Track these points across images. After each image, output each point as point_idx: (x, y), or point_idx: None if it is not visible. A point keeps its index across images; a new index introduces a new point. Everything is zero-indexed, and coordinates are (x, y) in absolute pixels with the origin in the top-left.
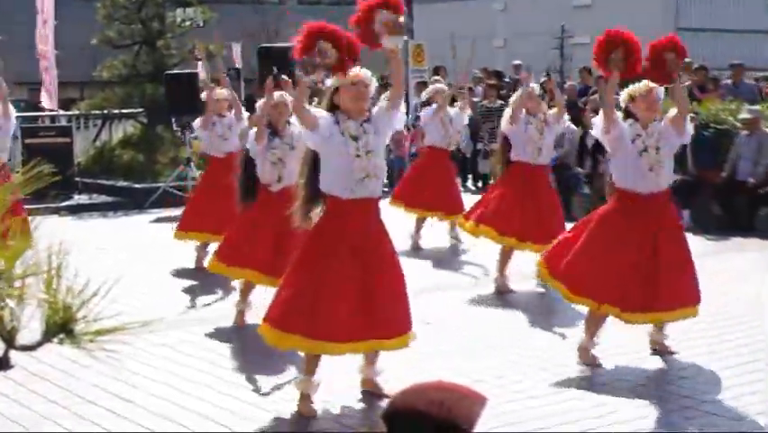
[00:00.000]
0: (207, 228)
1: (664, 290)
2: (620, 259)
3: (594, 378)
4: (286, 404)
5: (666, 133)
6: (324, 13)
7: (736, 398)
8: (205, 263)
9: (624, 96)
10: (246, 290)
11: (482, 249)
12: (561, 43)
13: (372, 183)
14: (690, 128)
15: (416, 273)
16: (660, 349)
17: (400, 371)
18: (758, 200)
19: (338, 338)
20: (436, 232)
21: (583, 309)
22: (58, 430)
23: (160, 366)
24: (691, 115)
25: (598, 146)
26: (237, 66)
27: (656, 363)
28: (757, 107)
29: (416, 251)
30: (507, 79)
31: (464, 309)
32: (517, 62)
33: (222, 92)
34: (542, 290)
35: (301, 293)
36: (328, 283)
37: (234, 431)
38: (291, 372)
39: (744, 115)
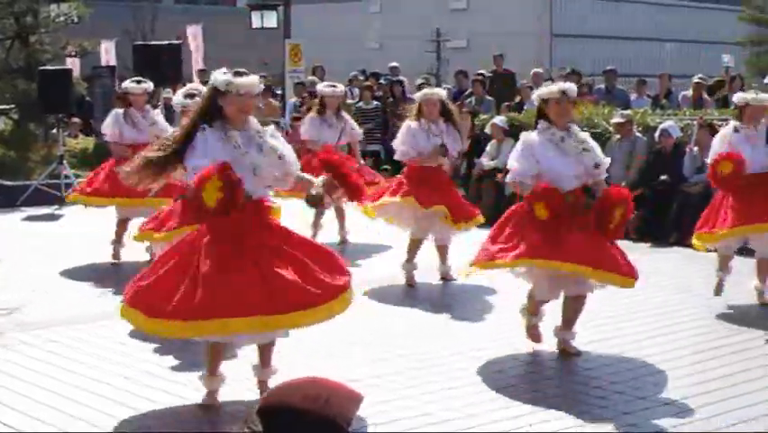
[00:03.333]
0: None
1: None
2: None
3: (487, 376)
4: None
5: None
6: (201, 12)
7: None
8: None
9: (536, 97)
10: None
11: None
12: (437, 46)
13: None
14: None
15: None
16: (566, 349)
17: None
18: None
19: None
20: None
21: (481, 304)
22: None
23: (33, 367)
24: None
25: (471, 148)
26: (112, 63)
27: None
28: (629, 112)
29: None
30: (382, 81)
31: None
32: (394, 64)
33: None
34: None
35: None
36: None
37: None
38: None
39: (616, 120)
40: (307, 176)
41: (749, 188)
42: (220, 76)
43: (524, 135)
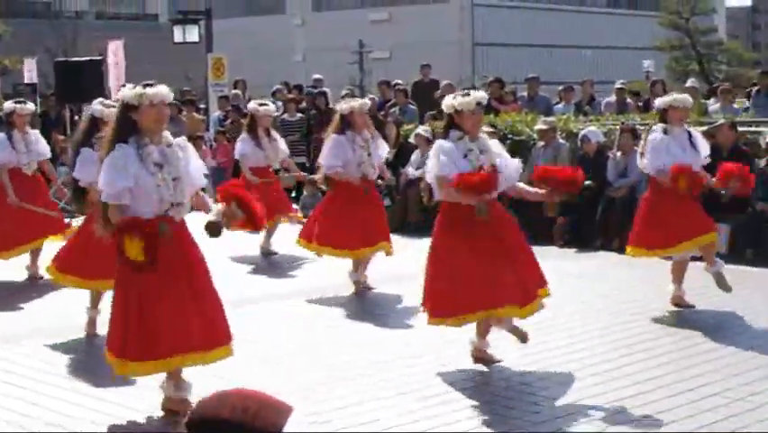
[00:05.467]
0: None
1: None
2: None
3: (414, 385)
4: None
5: (500, 151)
6: (122, 27)
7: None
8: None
9: (448, 105)
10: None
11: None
12: (360, 58)
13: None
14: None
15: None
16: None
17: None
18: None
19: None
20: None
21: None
22: None
23: None
24: (491, 128)
25: (397, 157)
26: (33, 81)
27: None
28: (552, 118)
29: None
30: (306, 93)
31: (285, 320)
32: (317, 76)
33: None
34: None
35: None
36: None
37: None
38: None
39: (539, 126)
40: (206, 198)
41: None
42: (128, 91)
43: (439, 143)
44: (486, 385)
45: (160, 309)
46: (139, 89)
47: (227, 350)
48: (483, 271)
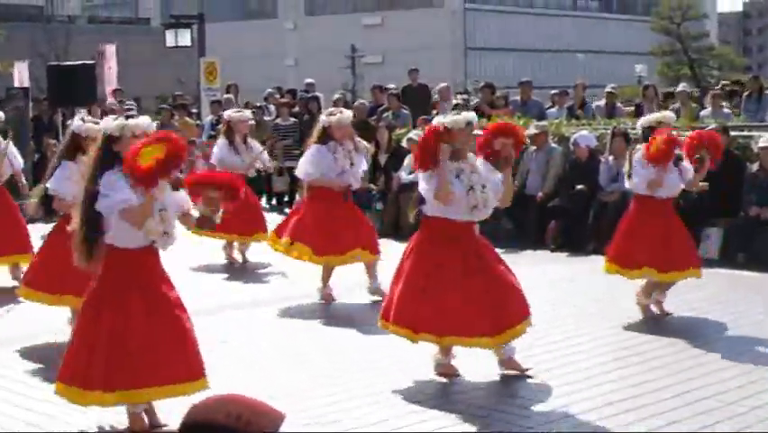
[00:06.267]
0: None
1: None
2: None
3: (399, 391)
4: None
5: (488, 172)
6: (115, 31)
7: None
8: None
9: (440, 124)
10: None
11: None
12: (352, 62)
13: None
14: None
15: (220, 291)
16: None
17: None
18: (547, 214)
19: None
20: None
21: None
22: None
23: None
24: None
25: (389, 162)
26: (25, 85)
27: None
28: (544, 123)
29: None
30: (299, 97)
31: (263, 326)
32: (309, 81)
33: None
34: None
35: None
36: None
37: None
38: None
39: (531, 131)
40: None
41: (664, 219)
42: (110, 123)
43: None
44: (474, 390)
45: (132, 337)
46: (121, 121)
47: (202, 383)
48: (462, 294)
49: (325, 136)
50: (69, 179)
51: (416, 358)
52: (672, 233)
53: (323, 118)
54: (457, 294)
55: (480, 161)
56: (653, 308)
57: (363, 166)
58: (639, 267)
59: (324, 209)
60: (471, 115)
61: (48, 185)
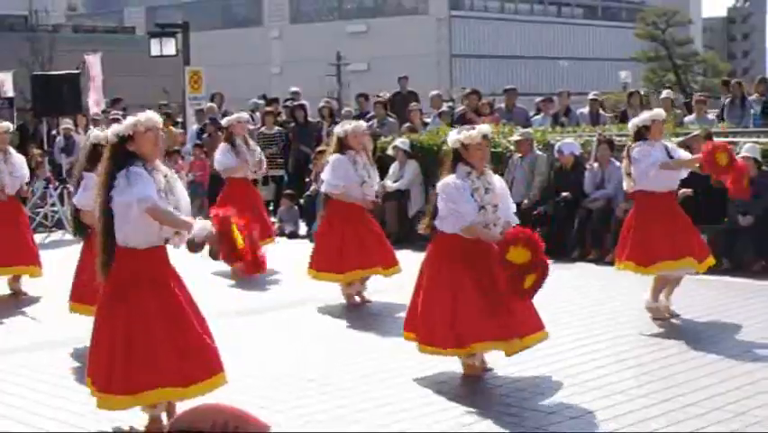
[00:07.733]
0: None
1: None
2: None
3: (400, 395)
4: None
5: (501, 191)
6: (99, 41)
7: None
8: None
9: (454, 141)
10: None
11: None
12: (338, 70)
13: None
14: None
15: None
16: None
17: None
18: (532, 221)
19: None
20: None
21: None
22: None
23: None
24: None
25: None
26: (9, 95)
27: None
28: (529, 130)
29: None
30: (284, 106)
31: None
32: (295, 89)
33: None
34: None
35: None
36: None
37: None
38: None
39: (515, 138)
40: (188, 219)
41: (670, 211)
42: (119, 126)
43: (448, 181)
44: (470, 396)
45: (147, 340)
46: (131, 119)
47: (221, 378)
48: (482, 305)
49: (342, 147)
50: (92, 190)
51: (413, 363)
52: (679, 226)
53: (337, 129)
54: (473, 307)
55: (497, 178)
56: (663, 311)
57: (376, 178)
58: (655, 262)
59: (351, 232)
60: (486, 128)
61: (74, 200)
